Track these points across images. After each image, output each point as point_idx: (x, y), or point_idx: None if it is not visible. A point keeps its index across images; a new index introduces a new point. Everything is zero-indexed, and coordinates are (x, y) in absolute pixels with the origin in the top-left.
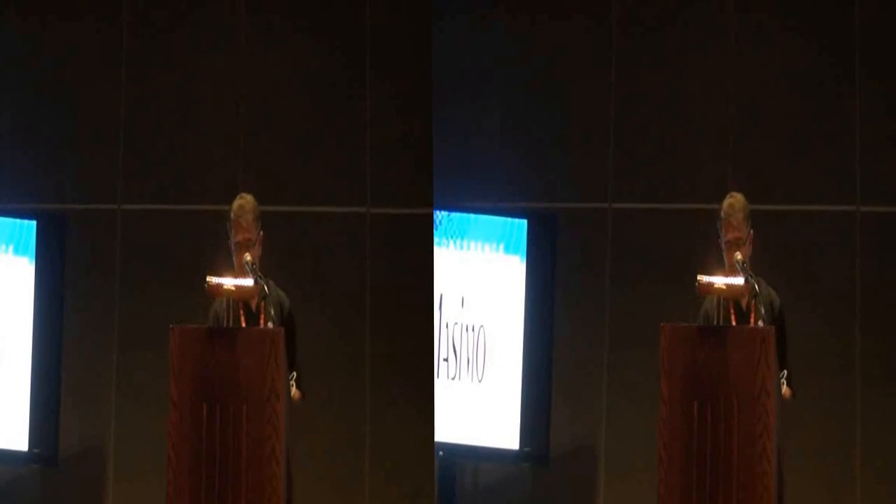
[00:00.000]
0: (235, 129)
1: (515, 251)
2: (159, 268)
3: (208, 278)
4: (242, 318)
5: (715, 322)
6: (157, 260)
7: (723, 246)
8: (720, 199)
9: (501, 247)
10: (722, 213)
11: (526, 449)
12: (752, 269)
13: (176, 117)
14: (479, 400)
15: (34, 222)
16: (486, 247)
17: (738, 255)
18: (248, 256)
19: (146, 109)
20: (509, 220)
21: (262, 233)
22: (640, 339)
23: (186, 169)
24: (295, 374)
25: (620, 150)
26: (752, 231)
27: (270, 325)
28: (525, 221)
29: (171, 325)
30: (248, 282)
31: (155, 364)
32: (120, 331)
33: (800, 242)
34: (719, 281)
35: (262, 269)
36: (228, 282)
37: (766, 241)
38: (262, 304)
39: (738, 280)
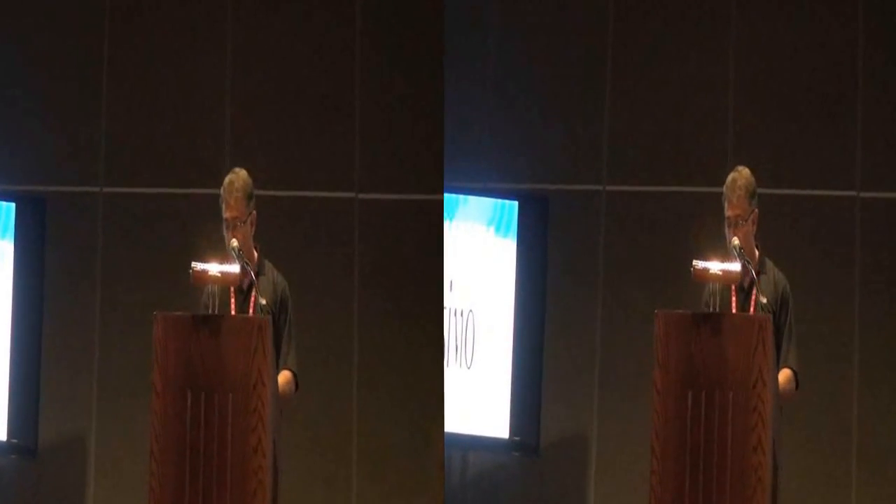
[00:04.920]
0: (222, 108)
1: (506, 234)
2: (143, 253)
3: (193, 265)
4: (232, 301)
5: (711, 308)
6: (141, 245)
7: (725, 216)
8: (718, 182)
9: (492, 229)
10: (725, 189)
11: (516, 438)
12: (761, 248)
13: (161, 97)
14: (467, 387)
15: (13, 205)
16: (477, 229)
17: (735, 241)
18: (234, 242)
19: (130, 89)
20: (500, 201)
21: (254, 211)
22: (634, 325)
23: (171, 150)
24: (290, 362)
25: (616, 131)
26: (756, 210)
27: (262, 300)
28: (516, 203)
29: (154, 312)
30: (234, 268)
31: (138, 352)
32: (102, 317)
33: (799, 228)
34: (715, 267)
35: (259, 249)
36: (214, 268)
37: (764, 225)
38: (255, 284)
39: (735, 266)
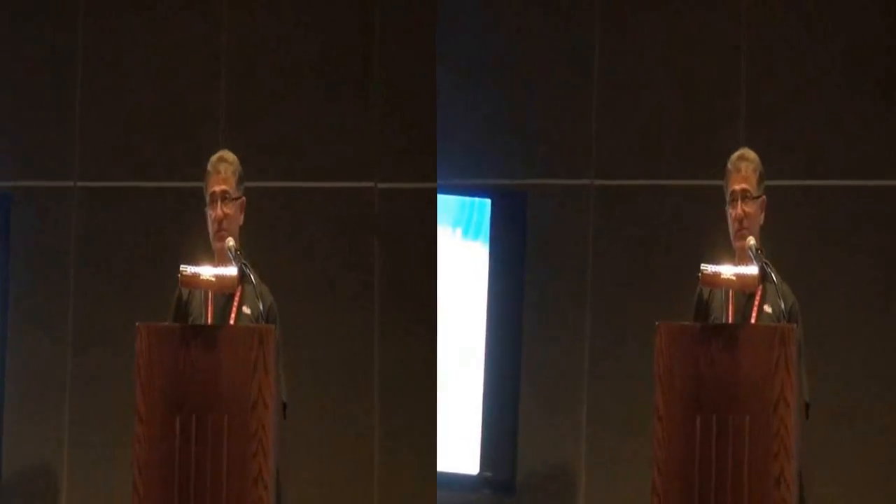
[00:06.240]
0: (215, 92)
1: (476, 236)
2: (122, 254)
3: (182, 268)
4: (210, 308)
5: (725, 318)
6: (120, 245)
7: (727, 200)
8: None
9: (459, 231)
10: (729, 165)
11: (486, 474)
12: (762, 243)
13: (143, 77)
14: None
15: None
16: (442, 232)
17: (751, 241)
18: (230, 241)
19: (107, 67)
20: (469, 199)
21: (244, 198)
22: (628, 340)
23: (156, 139)
24: (280, 392)
25: (606, 115)
26: (764, 196)
27: (246, 309)
28: (488, 201)
29: (137, 323)
30: (231, 271)
31: (117, 368)
32: (75, 328)
33: (827, 223)
34: (727, 271)
35: (242, 244)
36: (206, 272)
37: (789, 220)
38: (238, 290)
39: (751, 269)
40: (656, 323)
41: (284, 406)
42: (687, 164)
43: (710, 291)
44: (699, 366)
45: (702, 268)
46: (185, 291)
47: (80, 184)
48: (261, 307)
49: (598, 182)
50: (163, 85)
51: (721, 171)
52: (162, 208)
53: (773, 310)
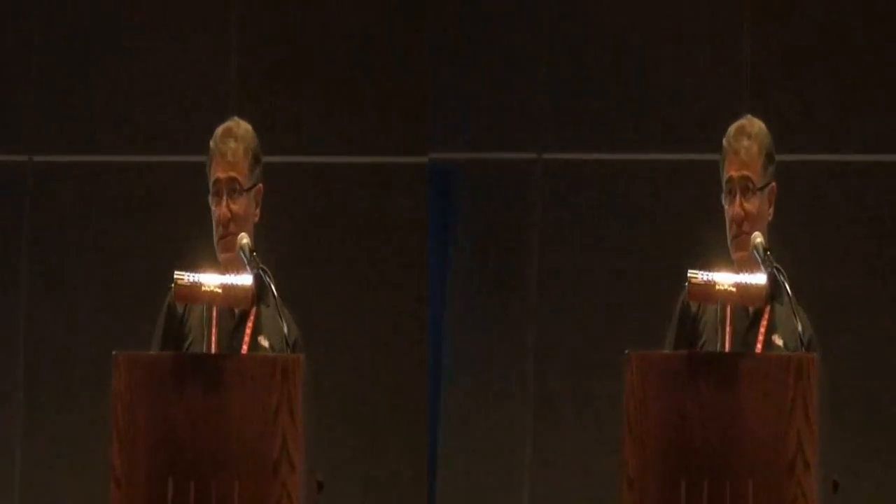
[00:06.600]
0: (220, 44)
1: None
2: (92, 250)
3: (177, 275)
4: (214, 331)
5: (718, 345)
6: (89, 238)
7: (723, 190)
8: (715, 145)
9: None
10: (725, 142)
11: None
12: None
13: (118, 23)
14: None
15: None
16: None
17: (758, 238)
18: (244, 238)
19: (69, 16)
20: None
21: (260, 185)
22: (586, 370)
23: (135, 104)
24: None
25: (557, 72)
26: (774, 183)
27: (263, 340)
28: None
29: (113, 352)
30: (245, 280)
31: (85, 409)
32: (28, 348)
33: (853, 203)
34: (726, 280)
35: (256, 245)
36: (211, 280)
37: (800, 201)
38: (252, 312)
39: (757, 278)
40: (626, 351)
41: (320, 486)
42: (664, 134)
43: (700, 304)
44: (685, 410)
45: (689, 276)
46: (179, 306)
47: (35, 158)
48: (285, 330)
49: (546, 156)
50: (147, 35)
51: (712, 142)
52: (147, 190)
53: (786, 341)
